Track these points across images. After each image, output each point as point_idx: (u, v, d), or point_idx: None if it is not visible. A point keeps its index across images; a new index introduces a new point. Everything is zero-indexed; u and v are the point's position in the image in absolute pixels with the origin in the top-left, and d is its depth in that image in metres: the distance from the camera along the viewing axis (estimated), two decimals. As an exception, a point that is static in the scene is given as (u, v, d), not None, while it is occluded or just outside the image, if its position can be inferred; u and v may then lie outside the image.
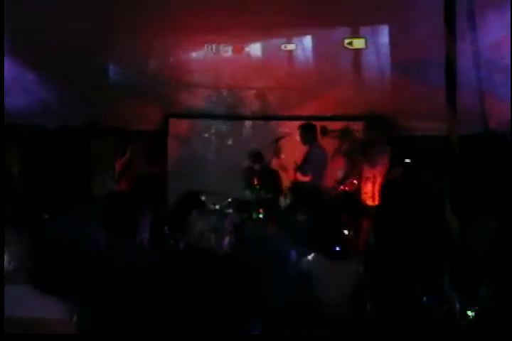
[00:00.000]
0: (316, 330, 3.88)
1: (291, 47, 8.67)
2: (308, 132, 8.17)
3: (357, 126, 8.31)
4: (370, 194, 7.57)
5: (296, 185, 8.18)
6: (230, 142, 9.81)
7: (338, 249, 4.47)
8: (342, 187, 7.86)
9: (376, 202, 7.50)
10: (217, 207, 3.99)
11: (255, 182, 8.18)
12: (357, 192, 7.72)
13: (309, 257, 4.46)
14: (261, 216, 7.85)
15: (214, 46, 8.96)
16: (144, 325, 3.48)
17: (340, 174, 8.02)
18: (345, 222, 7.12)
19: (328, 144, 8.24)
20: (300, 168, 8.11)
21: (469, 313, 4.45)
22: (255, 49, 8.89)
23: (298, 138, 8.25)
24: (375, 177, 7.55)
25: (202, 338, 3.35)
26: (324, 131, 8.10)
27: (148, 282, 3.80)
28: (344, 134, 7.99)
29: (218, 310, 3.43)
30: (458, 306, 4.66)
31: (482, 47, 7.34)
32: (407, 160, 7.23)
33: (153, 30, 8.57)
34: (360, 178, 7.73)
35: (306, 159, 8.12)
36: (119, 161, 8.88)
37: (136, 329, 3.49)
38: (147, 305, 3.57)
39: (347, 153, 7.97)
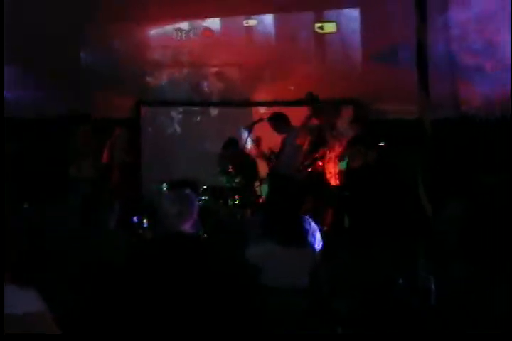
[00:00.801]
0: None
1: (256, 26, 8.66)
2: (279, 122, 8.12)
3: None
4: (334, 173, 7.60)
5: (271, 173, 8.19)
6: (203, 128, 9.78)
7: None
8: (308, 168, 7.87)
9: (339, 182, 7.53)
10: (187, 191, 3.92)
11: (230, 169, 8.17)
12: (321, 172, 7.73)
13: (268, 243, 4.34)
14: (236, 202, 7.85)
15: (183, 28, 8.92)
16: (119, 314, 3.47)
17: (305, 155, 8.00)
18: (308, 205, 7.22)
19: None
20: (274, 158, 8.12)
21: (443, 294, 4.51)
22: (224, 29, 8.87)
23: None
24: (336, 156, 7.57)
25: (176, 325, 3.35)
26: (311, 98, 7.96)
27: (120, 268, 3.78)
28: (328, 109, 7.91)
29: (189, 296, 3.43)
30: (433, 288, 4.71)
31: (453, 31, 7.36)
32: (381, 144, 7.23)
33: (125, 17, 8.51)
34: (324, 158, 7.73)
35: (281, 147, 8.10)
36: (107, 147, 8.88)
37: (113, 318, 3.48)
38: (121, 293, 3.56)
39: (312, 132, 7.94)
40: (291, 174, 7.85)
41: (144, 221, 5.85)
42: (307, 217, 4.78)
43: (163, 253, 3.58)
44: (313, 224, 4.73)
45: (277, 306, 3.88)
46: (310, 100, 7.72)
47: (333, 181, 7.59)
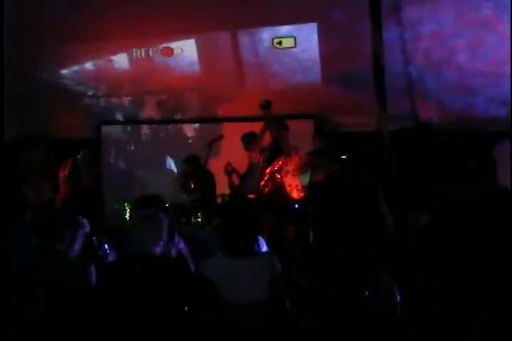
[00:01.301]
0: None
1: (213, 42, 8.64)
2: (251, 140, 8.12)
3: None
4: (294, 186, 7.59)
5: (234, 192, 8.15)
6: (163, 146, 9.75)
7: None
8: (269, 185, 7.85)
9: (300, 195, 7.52)
10: (150, 212, 3.87)
11: (191, 186, 8.12)
12: (281, 186, 7.71)
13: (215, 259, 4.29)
14: (199, 220, 7.80)
15: (143, 49, 8.88)
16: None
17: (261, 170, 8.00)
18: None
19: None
20: (240, 179, 8.10)
21: (408, 304, 4.49)
22: (186, 50, 8.82)
23: (231, 139, 8.18)
24: (294, 170, 7.57)
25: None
26: (266, 105, 7.95)
27: (86, 292, 3.72)
28: (277, 122, 7.91)
29: (156, 314, 3.39)
30: (398, 298, 4.70)
31: (409, 43, 7.45)
32: (343, 156, 7.26)
33: (83, 36, 8.45)
34: (281, 172, 7.71)
35: (248, 169, 8.06)
36: (62, 169, 8.77)
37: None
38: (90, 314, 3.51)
39: (265, 148, 7.94)
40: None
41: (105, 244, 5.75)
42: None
43: (136, 274, 3.53)
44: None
45: (238, 320, 3.84)
46: (265, 106, 7.73)
47: (294, 194, 7.59)
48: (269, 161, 7.80)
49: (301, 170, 7.49)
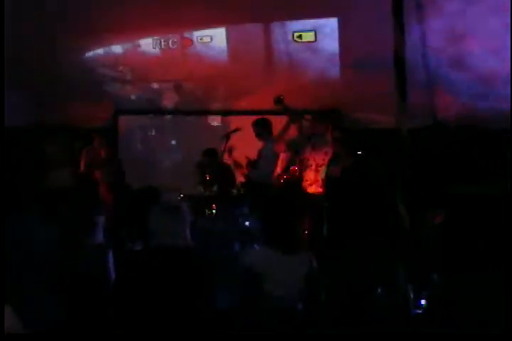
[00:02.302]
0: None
1: (236, 35, 8.64)
2: (264, 127, 8.17)
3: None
4: (311, 182, 7.61)
5: (248, 181, 8.18)
6: (180, 138, 9.77)
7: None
8: (285, 175, 7.88)
9: (317, 190, 7.53)
10: (173, 203, 3.91)
11: (207, 178, 8.15)
12: (298, 180, 7.74)
13: (258, 251, 4.41)
14: (214, 211, 7.83)
15: (161, 40, 8.89)
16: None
17: (284, 163, 8.03)
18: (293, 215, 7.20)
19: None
20: (253, 164, 8.14)
21: (422, 302, 4.52)
22: (207, 40, 8.82)
23: (250, 132, 8.20)
24: (317, 165, 7.57)
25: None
26: (278, 101, 7.99)
27: (112, 284, 3.75)
28: (296, 114, 7.94)
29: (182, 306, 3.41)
30: (412, 295, 4.72)
31: (431, 41, 7.42)
32: (359, 152, 7.26)
33: (96, 27, 8.46)
34: (301, 166, 7.74)
35: (260, 155, 8.12)
36: (81, 158, 8.83)
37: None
38: (110, 308, 3.53)
39: (291, 141, 7.96)
40: (269, 183, 7.88)
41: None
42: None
43: (158, 266, 3.54)
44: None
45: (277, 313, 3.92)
46: (277, 102, 7.77)
47: (312, 190, 7.60)
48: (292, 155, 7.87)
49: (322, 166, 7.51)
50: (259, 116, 8.39)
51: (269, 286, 4.10)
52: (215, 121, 9.63)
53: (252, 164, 8.22)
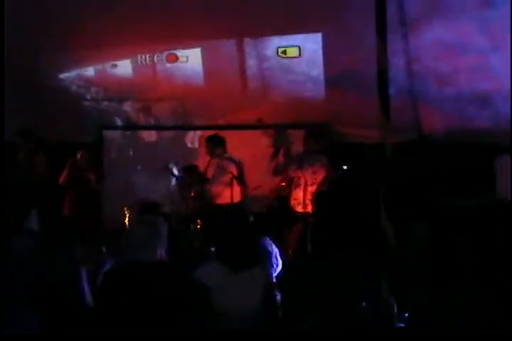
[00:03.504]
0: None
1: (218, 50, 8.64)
2: (216, 144, 8.15)
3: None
4: (300, 200, 7.60)
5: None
6: (163, 153, 9.75)
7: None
8: (277, 192, 7.90)
9: (305, 209, 7.53)
10: (151, 218, 3.90)
11: (192, 194, 8.14)
12: (286, 198, 7.75)
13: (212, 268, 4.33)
14: (198, 227, 7.82)
15: (147, 55, 8.89)
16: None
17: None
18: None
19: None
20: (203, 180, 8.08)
21: (405, 315, 4.51)
22: (189, 57, 8.83)
23: (233, 147, 8.19)
24: (306, 184, 7.58)
25: None
26: (259, 122, 8.03)
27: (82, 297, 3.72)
28: (280, 133, 7.95)
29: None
30: (396, 309, 4.71)
31: (414, 56, 7.47)
32: (345, 167, 7.27)
33: (86, 41, 8.46)
34: (290, 184, 7.75)
35: (211, 171, 8.06)
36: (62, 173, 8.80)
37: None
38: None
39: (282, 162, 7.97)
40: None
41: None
42: (267, 239, 4.78)
43: (132, 280, 3.52)
44: (273, 246, 4.72)
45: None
46: (259, 125, 7.84)
47: (299, 208, 7.60)
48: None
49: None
50: (241, 131, 8.43)
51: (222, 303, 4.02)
52: (196, 137, 9.64)
53: (202, 180, 8.17)
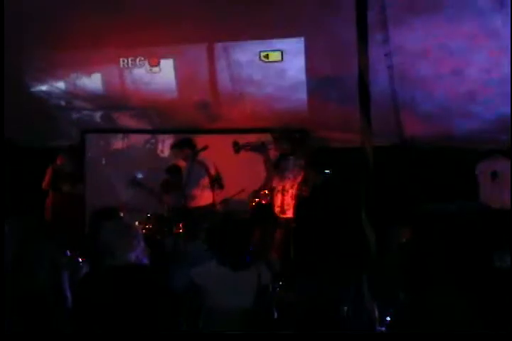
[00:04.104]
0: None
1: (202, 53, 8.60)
2: (183, 149, 8.13)
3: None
4: (280, 206, 7.63)
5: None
6: (147, 157, 9.74)
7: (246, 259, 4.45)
8: (257, 199, 7.89)
9: (286, 215, 7.56)
10: (126, 222, 3.90)
11: (173, 196, 8.12)
12: (269, 204, 7.77)
13: (215, 268, 4.40)
14: (181, 230, 7.79)
15: (129, 60, 8.86)
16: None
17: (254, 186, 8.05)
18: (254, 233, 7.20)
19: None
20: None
21: (387, 319, 4.51)
22: (170, 63, 8.81)
23: (216, 150, 8.17)
24: (284, 189, 7.60)
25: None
26: (237, 147, 8.06)
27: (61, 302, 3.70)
28: (259, 148, 7.99)
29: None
30: (377, 313, 4.72)
31: (395, 59, 7.49)
32: (326, 171, 7.28)
33: (68, 44, 8.42)
34: (271, 191, 7.78)
35: (189, 178, 7.99)
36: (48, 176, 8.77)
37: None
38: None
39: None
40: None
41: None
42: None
43: (111, 284, 3.50)
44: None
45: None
46: (237, 149, 7.86)
47: (279, 214, 7.62)
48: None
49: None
50: (223, 135, 8.44)
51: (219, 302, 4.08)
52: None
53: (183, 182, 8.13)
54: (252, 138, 8.34)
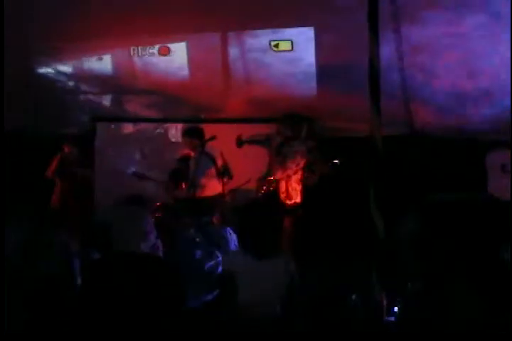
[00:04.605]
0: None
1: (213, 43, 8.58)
2: (192, 138, 8.12)
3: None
4: (285, 193, 7.63)
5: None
6: (157, 145, 9.75)
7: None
8: (265, 187, 7.90)
9: (292, 201, 7.56)
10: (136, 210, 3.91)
11: (183, 185, 8.13)
12: (275, 191, 7.78)
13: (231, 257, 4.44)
14: (189, 220, 7.79)
15: (139, 48, 8.85)
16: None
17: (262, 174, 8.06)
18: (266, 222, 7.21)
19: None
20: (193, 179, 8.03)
21: (395, 309, 4.52)
22: (182, 50, 8.79)
23: (224, 140, 8.18)
24: (288, 177, 7.61)
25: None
26: (240, 142, 8.07)
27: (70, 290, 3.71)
28: (262, 142, 8.01)
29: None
30: (385, 302, 4.73)
31: (406, 49, 7.46)
32: (335, 161, 7.28)
33: (78, 32, 8.41)
34: (276, 178, 7.79)
35: (197, 168, 8.01)
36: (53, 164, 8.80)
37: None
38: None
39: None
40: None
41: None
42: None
43: (121, 272, 3.51)
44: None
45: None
46: (239, 144, 7.85)
47: (283, 200, 7.63)
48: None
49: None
50: (232, 124, 8.43)
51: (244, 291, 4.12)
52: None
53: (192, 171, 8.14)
54: (260, 127, 8.33)
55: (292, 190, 7.63)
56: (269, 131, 8.25)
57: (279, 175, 7.73)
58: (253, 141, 8.04)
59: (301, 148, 7.67)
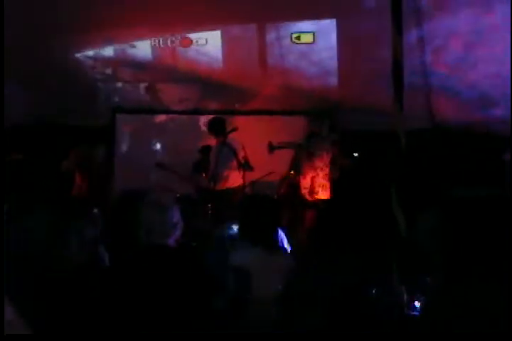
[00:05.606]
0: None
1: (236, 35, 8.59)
2: (217, 127, 8.11)
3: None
4: (309, 188, 7.63)
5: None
6: (178, 137, 9.75)
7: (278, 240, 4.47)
8: (287, 181, 7.92)
9: (316, 196, 7.56)
10: (163, 201, 3.88)
11: (204, 177, 8.14)
12: (297, 186, 7.78)
13: (249, 250, 4.39)
14: (211, 211, 7.82)
15: (161, 39, 8.85)
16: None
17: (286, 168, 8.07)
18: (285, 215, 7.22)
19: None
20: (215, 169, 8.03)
21: (417, 304, 4.51)
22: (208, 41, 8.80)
23: (247, 132, 8.17)
24: (314, 171, 7.61)
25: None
26: (271, 147, 8.06)
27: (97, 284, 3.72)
28: (293, 147, 8.02)
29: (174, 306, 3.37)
30: (406, 297, 4.72)
31: (428, 44, 7.42)
32: (355, 154, 7.27)
33: (95, 24, 8.42)
34: (298, 172, 7.78)
35: (218, 160, 7.96)
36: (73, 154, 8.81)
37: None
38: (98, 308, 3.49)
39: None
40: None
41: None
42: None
43: (147, 265, 3.51)
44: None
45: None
46: (271, 150, 7.84)
47: (308, 196, 7.63)
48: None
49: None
50: (255, 116, 8.42)
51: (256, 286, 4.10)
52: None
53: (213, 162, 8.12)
54: (287, 119, 8.31)
55: (318, 186, 7.62)
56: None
57: (307, 171, 7.73)
58: (284, 147, 8.02)
59: (327, 144, 7.66)
